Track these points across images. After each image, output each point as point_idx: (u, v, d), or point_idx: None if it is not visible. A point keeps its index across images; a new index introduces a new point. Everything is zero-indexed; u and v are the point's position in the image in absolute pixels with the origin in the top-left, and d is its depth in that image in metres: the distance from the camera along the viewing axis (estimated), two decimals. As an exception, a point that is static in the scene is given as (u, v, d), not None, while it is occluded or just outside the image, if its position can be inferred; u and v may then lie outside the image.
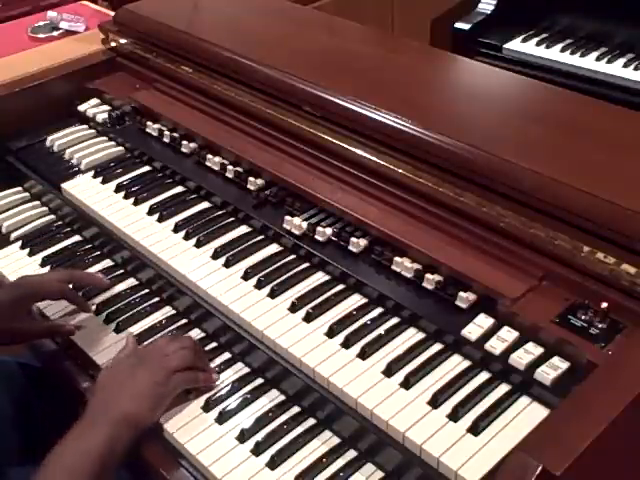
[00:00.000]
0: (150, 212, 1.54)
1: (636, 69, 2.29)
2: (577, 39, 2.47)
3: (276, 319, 1.26)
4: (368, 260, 1.32)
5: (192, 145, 1.67)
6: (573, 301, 1.15)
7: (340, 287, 1.31)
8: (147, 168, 1.70)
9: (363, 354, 1.17)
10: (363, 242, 1.34)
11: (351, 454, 1.11)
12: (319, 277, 1.34)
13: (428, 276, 1.24)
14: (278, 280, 1.33)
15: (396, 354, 1.17)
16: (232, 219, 1.50)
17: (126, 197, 1.60)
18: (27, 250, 1.60)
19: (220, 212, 1.53)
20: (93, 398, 1.14)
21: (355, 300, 1.29)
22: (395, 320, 1.23)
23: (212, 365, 1.26)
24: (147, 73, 1.90)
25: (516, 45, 2.50)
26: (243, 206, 1.50)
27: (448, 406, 1.08)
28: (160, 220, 1.52)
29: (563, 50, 2.43)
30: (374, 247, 1.33)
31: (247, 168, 1.56)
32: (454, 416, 1.06)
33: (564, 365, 1.07)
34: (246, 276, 1.35)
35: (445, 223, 1.31)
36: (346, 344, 1.19)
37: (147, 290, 1.46)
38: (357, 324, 1.23)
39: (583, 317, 1.12)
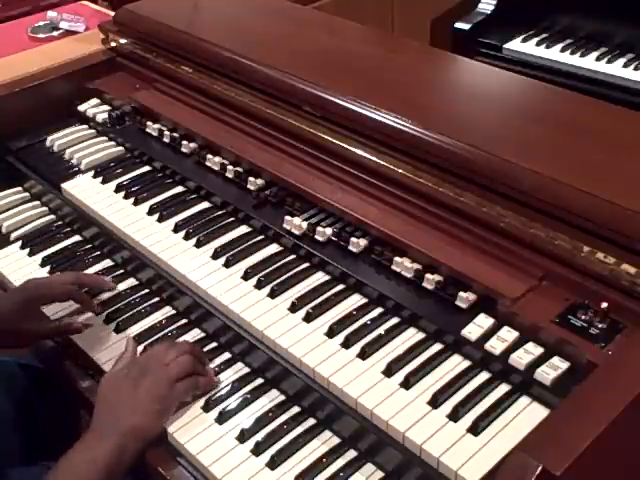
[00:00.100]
0: (150, 212, 1.54)
1: (636, 69, 2.29)
2: (577, 39, 2.47)
3: (276, 319, 1.26)
4: (368, 260, 1.32)
5: (192, 145, 1.67)
6: (573, 301, 1.15)
7: (340, 287, 1.31)
8: (147, 168, 1.70)
9: (363, 354, 1.17)
10: (363, 242, 1.34)
11: (351, 454, 1.11)
12: (319, 277, 1.34)
13: (428, 276, 1.24)
14: (278, 280, 1.33)
15: (396, 354, 1.17)
16: (232, 219, 1.50)
17: (126, 197, 1.60)
18: (27, 250, 1.60)
19: (220, 212, 1.53)
20: (98, 408, 1.15)
21: (355, 300, 1.29)
22: (395, 320, 1.23)
23: (212, 365, 1.26)
24: (147, 73, 1.90)
25: (516, 45, 2.50)
26: (243, 206, 1.50)
27: (448, 406, 1.08)
28: (160, 220, 1.52)
29: (563, 50, 2.43)
30: (374, 247, 1.33)
31: (247, 168, 1.56)
32: (454, 416, 1.06)
33: (564, 365, 1.07)
34: (246, 276, 1.35)
35: (445, 223, 1.31)
36: (346, 344, 1.19)
37: (147, 290, 1.46)
38: (357, 324, 1.23)
39: (583, 317, 1.12)
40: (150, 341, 1.33)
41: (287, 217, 1.41)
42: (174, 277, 1.40)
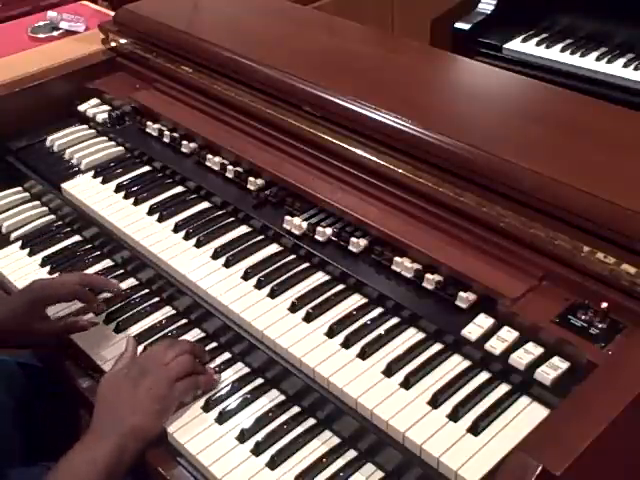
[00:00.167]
0: (150, 212, 1.54)
1: (636, 69, 2.29)
2: (577, 39, 2.47)
3: (276, 319, 1.26)
4: (368, 260, 1.32)
5: (192, 145, 1.67)
6: (573, 301, 1.15)
7: (340, 287, 1.31)
8: (147, 168, 1.70)
9: (363, 354, 1.17)
10: (363, 242, 1.34)
11: (351, 454, 1.11)
12: (319, 277, 1.34)
13: (428, 276, 1.24)
14: (278, 280, 1.33)
15: (396, 354, 1.17)
16: (232, 219, 1.50)
17: (126, 197, 1.60)
18: (27, 250, 1.60)
19: (220, 212, 1.53)
20: (97, 408, 1.15)
21: (355, 300, 1.29)
22: (395, 320, 1.23)
23: (212, 365, 1.26)
24: (147, 73, 1.90)
25: (516, 45, 2.50)
26: (243, 206, 1.50)
27: (448, 406, 1.08)
28: (160, 220, 1.52)
29: (563, 50, 2.43)
30: (374, 247, 1.33)
31: (247, 168, 1.56)
32: (454, 416, 1.06)
33: (564, 365, 1.07)
34: (246, 276, 1.35)
35: (445, 223, 1.31)
36: (346, 344, 1.19)
37: (147, 290, 1.46)
38: (357, 324, 1.23)
39: (583, 317, 1.12)
40: (150, 341, 1.33)
41: (287, 217, 1.41)
42: (174, 277, 1.40)
